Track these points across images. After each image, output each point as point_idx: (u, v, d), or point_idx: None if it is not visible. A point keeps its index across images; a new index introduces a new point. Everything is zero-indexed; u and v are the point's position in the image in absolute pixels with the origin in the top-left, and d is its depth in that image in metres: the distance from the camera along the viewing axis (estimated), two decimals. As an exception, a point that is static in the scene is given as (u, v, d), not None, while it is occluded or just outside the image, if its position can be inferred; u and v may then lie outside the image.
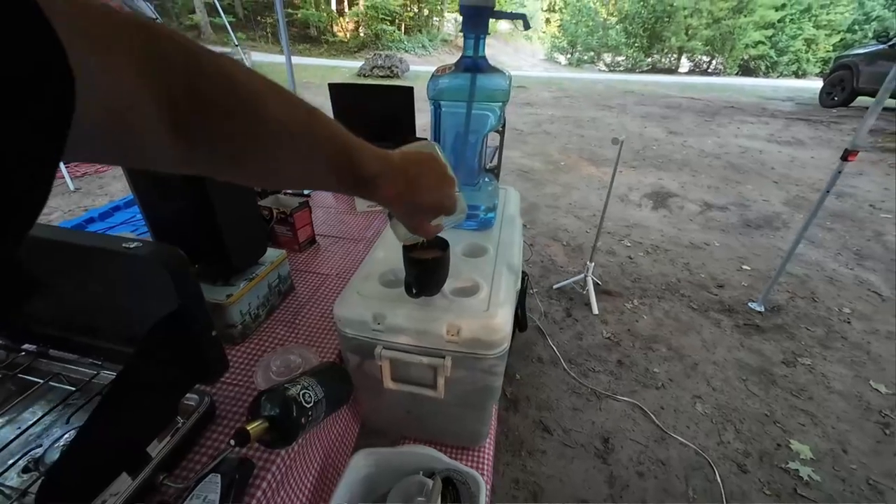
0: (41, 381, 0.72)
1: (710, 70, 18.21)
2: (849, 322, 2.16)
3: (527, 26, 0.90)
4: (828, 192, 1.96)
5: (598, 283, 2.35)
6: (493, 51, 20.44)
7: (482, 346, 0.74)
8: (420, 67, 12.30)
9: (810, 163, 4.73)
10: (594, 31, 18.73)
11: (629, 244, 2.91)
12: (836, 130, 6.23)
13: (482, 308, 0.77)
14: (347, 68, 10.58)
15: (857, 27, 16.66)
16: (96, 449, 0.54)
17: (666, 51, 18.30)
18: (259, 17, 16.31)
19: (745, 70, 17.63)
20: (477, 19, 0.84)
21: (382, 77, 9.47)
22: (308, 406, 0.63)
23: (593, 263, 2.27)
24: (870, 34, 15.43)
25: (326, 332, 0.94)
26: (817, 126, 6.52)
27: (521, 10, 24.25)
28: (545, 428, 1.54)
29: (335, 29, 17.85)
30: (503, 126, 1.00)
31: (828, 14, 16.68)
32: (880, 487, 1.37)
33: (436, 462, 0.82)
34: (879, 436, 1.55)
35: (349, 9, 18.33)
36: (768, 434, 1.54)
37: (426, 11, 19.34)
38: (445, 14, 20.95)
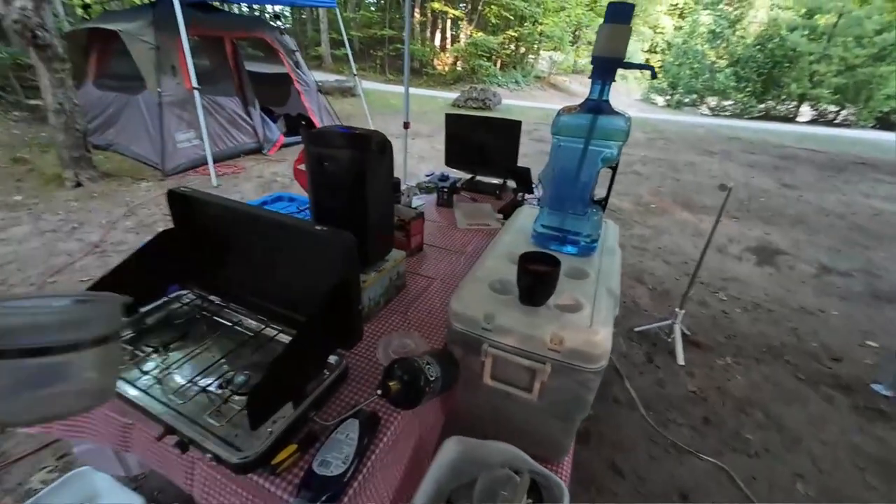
0: (230, 323, 0.94)
1: (837, 121, 16.17)
2: None
3: (654, 76, 0.98)
4: None
5: (685, 333, 2.22)
6: (585, 88, 20.37)
7: (582, 358, 0.81)
8: (512, 101, 12.71)
9: (970, 235, 3.99)
10: (699, 74, 17.79)
11: (724, 297, 2.71)
12: None
13: (585, 324, 0.84)
14: (444, 98, 11.32)
15: None
16: (278, 382, 0.70)
17: (784, 97, 16.69)
18: (371, 51, 18.22)
19: (885, 124, 15.35)
20: (606, 68, 0.94)
21: (475, 108, 9.97)
22: (431, 379, 0.74)
23: (683, 311, 2.17)
24: None
25: (433, 326, 1.07)
26: (982, 193, 5.46)
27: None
28: (618, 470, 1.50)
29: (435, 62, 19.26)
30: (617, 164, 1.08)
31: None
32: None
33: (521, 462, 0.88)
34: None
35: (451, 45, 19.71)
36: (889, 536, 1.33)
37: (523, 49, 20.05)
38: (541, 52, 21.53)
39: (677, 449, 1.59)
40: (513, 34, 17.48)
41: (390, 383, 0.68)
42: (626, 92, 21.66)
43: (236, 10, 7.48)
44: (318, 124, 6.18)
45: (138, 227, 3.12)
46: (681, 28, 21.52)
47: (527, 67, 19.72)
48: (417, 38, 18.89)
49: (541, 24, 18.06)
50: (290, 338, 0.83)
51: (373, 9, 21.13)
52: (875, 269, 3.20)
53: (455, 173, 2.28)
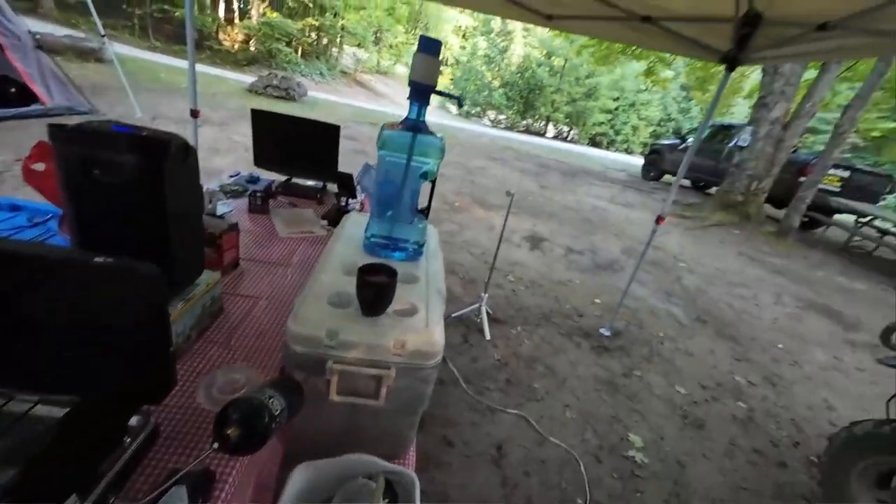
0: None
1: (568, 138, 22.10)
2: (662, 343, 2.89)
3: (461, 105, 1.15)
4: (648, 244, 2.65)
5: (489, 313, 2.67)
6: (393, 90, 21.39)
7: (422, 356, 0.90)
8: (318, 94, 12.17)
9: (637, 221, 6.15)
10: (481, 90, 21.18)
11: (513, 279, 3.38)
12: (654, 199, 8.21)
13: (422, 325, 0.93)
14: (236, 80, 9.89)
15: (662, 123, 22.37)
16: (46, 473, 0.52)
17: (537, 117, 21.68)
18: (125, 6, 14.19)
19: (593, 142, 21.91)
20: (422, 93, 1.05)
21: (276, 97, 9.10)
22: (276, 413, 0.69)
23: (486, 294, 2.60)
24: (671, 130, 20.87)
25: (265, 351, 0.97)
26: (641, 193, 8.49)
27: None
28: (448, 442, 1.71)
29: (221, 36, 16.56)
30: (435, 178, 1.21)
31: (646, 110, 22.04)
32: (683, 461, 1.88)
33: (373, 467, 0.92)
34: (681, 424, 2.12)
35: (240, 20, 17.28)
36: (615, 431, 1.97)
37: (325, 40, 19.40)
38: (345, 47, 21.32)
39: (491, 410, 1.93)
40: (313, 22, 16.65)
41: (228, 431, 0.60)
42: (426, 98, 23.76)
43: None
44: (43, 95, 4.48)
45: None
46: (464, 48, 25.01)
47: (331, 60, 19.20)
48: (196, 3, 15.77)
49: (342, 18, 17.83)
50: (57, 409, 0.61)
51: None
52: (596, 248, 4.58)
53: (266, 174, 2.07)
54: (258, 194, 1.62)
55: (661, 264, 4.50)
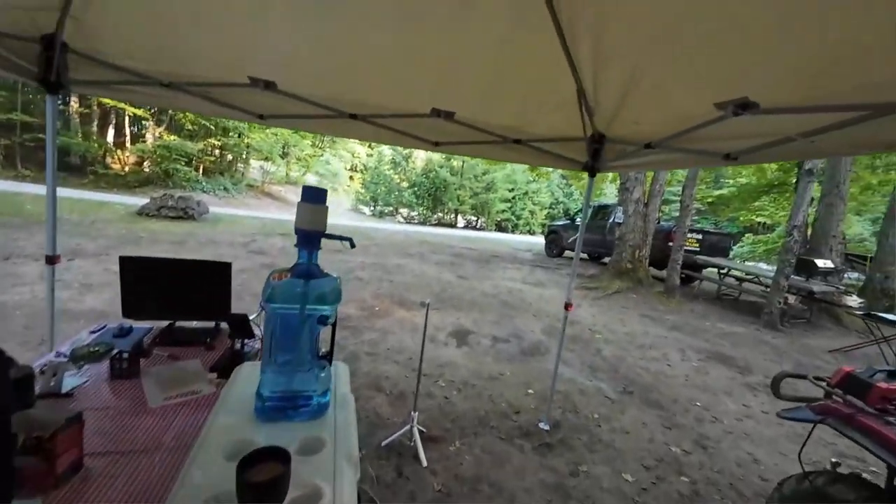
0: None
1: (477, 226, 23.99)
2: (599, 425, 2.87)
3: (352, 246, 1.13)
4: (563, 331, 2.76)
5: (423, 431, 2.44)
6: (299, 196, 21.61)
7: (330, 564, 0.71)
8: (221, 210, 11.77)
9: (551, 298, 6.55)
10: (391, 192, 22.55)
11: (443, 384, 3.22)
12: (560, 274, 8.96)
13: (327, 517, 0.76)
14: (124, 204, 9.16)
15: (553, 206, 25.72)
16: None
17: (446, 210, 23.43)
18: (-13, 136, 12.93)
19: (500, 227, 24.05)
20: (311, 240, 1.02)
21: (173, 218, 8.55)
22: None
23: (416, 413, 2.40)
24: (561, 211, 24.02)
25: None
26: (549, 271, 9.25)
27: (327, 169, 27.10)
28: None
29: (109, 161, 15.71)
30: (335, 321, 1.13)
31: (538, 196, 25.27)
32: (649, 571, 1.73)
33: None
34: (638, 521, 2.01)
35: (132, 144, 16.76)
36: (575, 550, 1.78)
37: (230, 157, 19.51)
38: (251, 161, 21.60)
39: (438, 564, 1.63)
40: (215, 142, 16.80)
41: None
42: (338, 203, 24.46)
43: None
44: None
45: None
46: (371, 156, 27.02)
47: (237, 175, 19.15)
48: (77, 132, 15.05)
49: (247, 137, 18.33)
50: None
51: (-7, 86, 15.54)
52: (519, 332, 4.68)
53: (142, 322, 1.78)
54: (123, 356, 1.35)
55: (579, 339, 4.72)
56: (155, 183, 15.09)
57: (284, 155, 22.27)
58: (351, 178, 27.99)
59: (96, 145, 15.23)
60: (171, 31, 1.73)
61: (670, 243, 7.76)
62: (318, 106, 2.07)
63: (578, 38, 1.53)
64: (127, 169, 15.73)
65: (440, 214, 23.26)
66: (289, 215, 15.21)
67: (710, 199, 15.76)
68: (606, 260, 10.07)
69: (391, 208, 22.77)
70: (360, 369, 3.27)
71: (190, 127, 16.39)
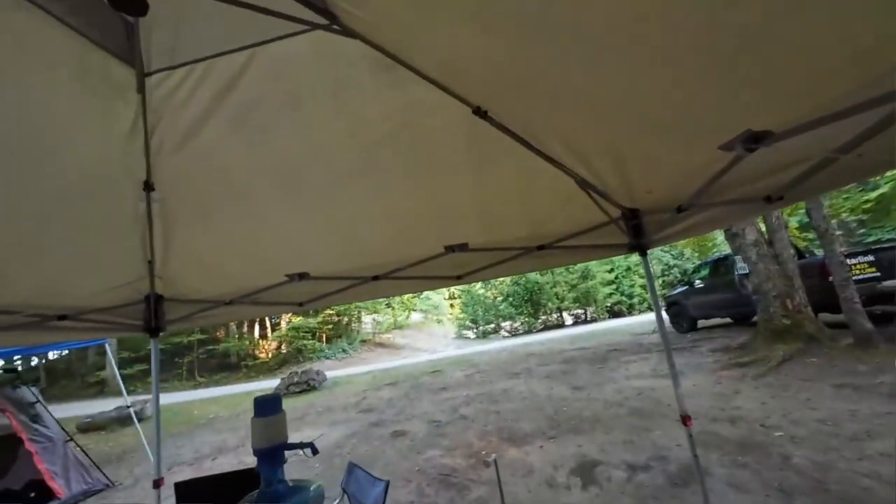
0: None
1: (587, 318, 22.05)
2: None
3: (315, 452, 1.02)
4: (698, 465, 2.07)
5: None
6: (409, 339, 22.72)
7: None
8: (339, 372, 12.76)
9: (694, 391, 5.25)
10: (488, 310, 22.59)
11: (571, 552, 2.50)
12: (698, 353, 7.36)
13: None
14: (262, 390, 10.50)
15: (665, 273, 22.96)
16: None
17: (549, 311, 22.30)
18: (176, 358, 16.68)
19: (613, 313, 21.75)
20: (272, 456, 0.93)
21: (299, 393, 9.45)
22: None
23: None
24: (676, 275, 21.22)
25: None
26: (683, 353, 7.68)
27: (429, 304, 28.75)
28: None
29: (257, 352, 18.78)
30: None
31: (642, 268, 22.97)
32: None
33: None
34: None
35: (272, 332, 20.07)
36: None
37: (345, 320, 22.01)
38: (363, 317, 24.03)
39: None
40: (331, 311, 19.28)
41: None
42: (444, 334, 25.06)
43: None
44: (60, 491, 4.53)
45: None
46: (463, 281, 28.22)
47: (353, 334, 21.22)
48: (234, 335, 18.68)
49: (354, 299, 20.79)
50: None
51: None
52: (662, 452, 3.67)
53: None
54: None
55: (749, 444, 3.52)
56: (290, 361, 17.33)
57: (389, 305, 24.48)
58: (451, 305, 29.09)
59: (247, 342, 18.53)
60: (218, 265, 2.11)
61: (829, 278, 6.04)
62: (343, 279, 2.23)
63: (544, 142, 1.49)
64: (270, 355, 18.55)
65: (544, 318, 22.16)
66: (396, 361, 15.83)
67: (866, 206, 12.65)
68: (755, 319, 8.15)
69: (493, 325, 22.48)
70: (467, 546, 2.74)
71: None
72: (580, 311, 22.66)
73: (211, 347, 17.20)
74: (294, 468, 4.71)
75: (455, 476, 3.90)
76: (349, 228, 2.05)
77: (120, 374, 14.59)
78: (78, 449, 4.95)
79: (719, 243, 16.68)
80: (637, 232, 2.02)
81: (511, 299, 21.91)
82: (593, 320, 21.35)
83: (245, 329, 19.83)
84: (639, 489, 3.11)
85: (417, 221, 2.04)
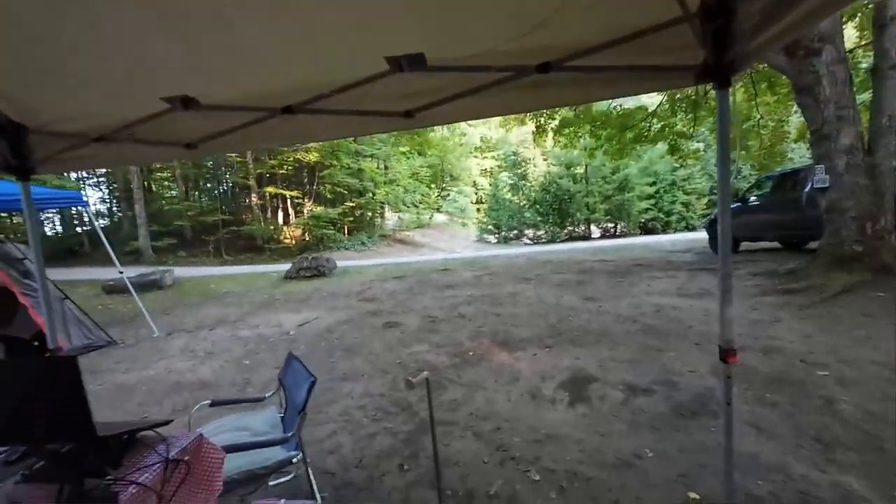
0: None
1: (617, 233, 20.95)
2: None
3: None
4: (728, 396, 1.44)
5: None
6: (430, 239, 22.70)
7: None
8: (353, 263, 12.85)
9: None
10: (513, 215, 21.74)
11: (538, 475, 2.12)
12: (736, 276, 6.52)
13: None
14: (276, 272, 10.74)
15: (715, 190, 20.79)
16: None
17: (577, 222, 21.25)
18: (203, 237, 17.37)
19: (645, 229, 20.47)
20: None
21: (308, 278, 9.54)
22: None
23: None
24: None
25: None
26: (716, 273, 6.85)
27: (455, 206, 28.31)
28: None
29: (281, 237, 19.29)
30: None
31: (690, 185, 20.84)
32: None
33: None
34: None
35: (296, 217, 20.35)
36: None
37: (368, 214, 21.93)
38: (387, 214, 23.95)
39: None
40: (351, 204, 19.06)
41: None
42: (466, 237, 24.85)
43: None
44: (62, 341, 4.67)
45: None
46: (491, 185, 27.00)
47: (374, 228, 21.30)
48: (258, 219, 19.05)
49: (376, 193, 20.38)
50: None
51: (205, 198, 21.22)
52: (672, 377, 3.15)
53: None
54: None
55: (786, 380, 2.92)
56: (311, 249, 17.74)
57: (415, 205, 24.04)
58: (478, 209, 28.39)
59: (271, 227, 18.94)
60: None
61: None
62: (243, 110, 1.50)
63: None
64: (295, 240, 19.03)
65: (570, 228, 21.21)
66: (412, 257, 15.83)
67: None
68: (813, 245, 7.04)
69: (516, 232, 21.86)
70: (422, 449, 2.44)
71: (329, 196, 19.08)
72: (610, 224, 21.48)
73: (235, 229, 17.70)
74: (278, 351, 4.63)
75: (434, 373, 3.60)
76: (242, 37, 1.24)
77: (152, 247, 15.39)
78: (75, 307, 5.02)
79: (793, 158, 14.46)
80: (719, 42, 1.12)
81: (538, 206, 20.85)
82: (623, 235, 20.29)
83: (269, 214, 20.17)
84: (635, 414, 2.65)
85: (344, 23, 1.19)
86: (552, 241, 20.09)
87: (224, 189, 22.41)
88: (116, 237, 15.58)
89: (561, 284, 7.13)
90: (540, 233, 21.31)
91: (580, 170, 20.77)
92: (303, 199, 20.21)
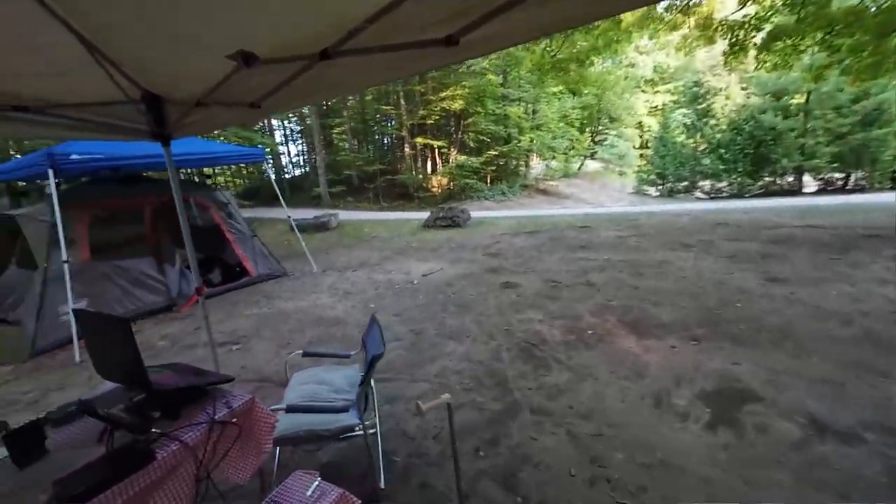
0: None
1: (848, 187, 15.23)
2: None
3: None
4: None
5: None
6: (577, 189, 20.84)
7: None
8: (488, 213, 12.76)
9: None
10: (685, 162, 17.92)
11: (637, 515, 1.67)
12: None
13: None
14: (418, 220, 11.48)
15: None
16: None
17: (781, 171, 16.22)
18: (365, 184, 19.79)
19: (903, 182, 14.27)
20: None
21: (443, 227, 9.88)
22: None
23: None
24: None
25: None
26: None
27: (612, 152, 25.15)
28: None
29: (430, 185, 20.51)
30: None
31: None
32: None
33: None
34: None
35: (442, 166, 21.22)
36: None
37: (514, 163, 21.28)
38: (533, 162, 22.84)
39: None
40: (493, 153, 18.68)
41: None
42: (620, 188, 21.96)
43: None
44: (252, 270, 5.98)
45: None
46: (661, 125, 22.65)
47: (516, 178, 20.64)
48: (410, 168, 20.57)
49: (521, 140, 19.42)
50: None
51: (372, 147, 23.85)
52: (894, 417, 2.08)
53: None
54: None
55: None
56: (454, 197, 18.43)
57: (564, 152, 22.18)
58: (641, 156, 24.53)
59: (420, 176, 20.26)
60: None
61: None
62: (281, 62, 1.34)
63: None
64: (441, 189, 20.05)
65: (769, 180, 16.38)
66: (554, 209, 14.80)
67: None
68: None
69: (685, 184, 18.09)
70: (504, 436, 2.21)
71: (472, 144, 19.06)
72: (839, 174, 15.71)
73: (390, 177, 19.55)
74: (400, 298, 4.93)
75: (541, 348, 3.26)
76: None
77: (329, 193, 18.24)
78: (260, 243, 6.30)
79: None
80: None
81: (722, 151, 16.60)
82: (858, 189, 14.69)
83: (419, 164, 21.52)
84: (815, 468, 1.83)
85: None
86: (738, 195, 15.96)
87: (385, 141, 24.77)
88: (306, 184, 19.08)
89: (734, 256, 5.56)
90: (721, 185, 17.13)
91: (797, 99, 15.39)
92: (448, 148, 20.78)
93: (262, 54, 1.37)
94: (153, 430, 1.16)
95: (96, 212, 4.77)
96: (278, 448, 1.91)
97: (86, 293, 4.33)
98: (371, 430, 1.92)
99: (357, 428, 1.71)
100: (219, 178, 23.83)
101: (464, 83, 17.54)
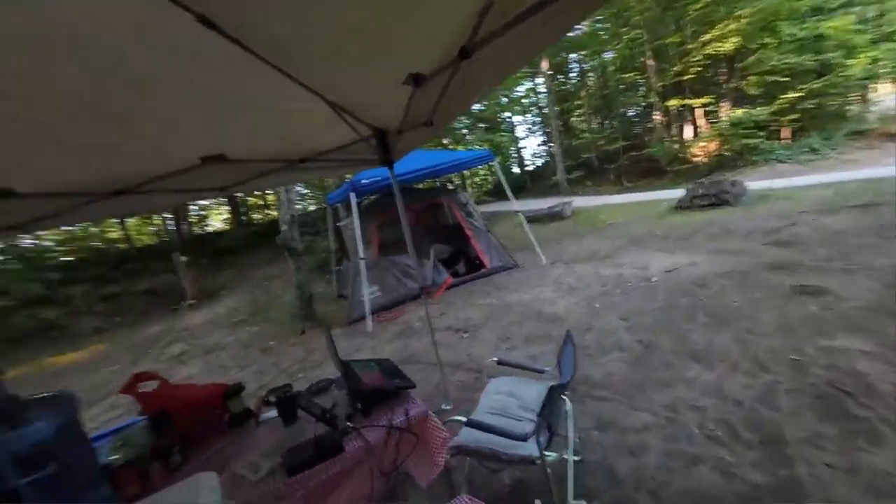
0: None
1: None
2: None
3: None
4: None
5: None
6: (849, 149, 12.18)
7: None
8: (778, 183, 9.23)
9: None
10: None
11: None
12: None
13: None
14: (668, 199, 9.55)
15: None
16: None
17: None
18: (605, 165, 18.26)
19: None
20: None
21: (704, 207, 7.79)
22: None
23: None
24: None
25: None
26: None
27: None
28: None
29: (689, 154, 16.88)
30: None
31: None
32: None
33: None
34: None
35: (708, 129, 16.98)
36: None
37: (832, 103, 14.68)
38: (873, 96, 15.09)
39: None
40: (794, 95, 13.33)
41: None
42: None
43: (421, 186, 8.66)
44: (487, 263, 6.59)
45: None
46: None
47: (841, 123, 14.10)
48: (660, 139, 17.57)
49: (849, 66, 13.07)
50: None
51: (615, 123, 21.72)
52: None
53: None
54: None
55: None
56: (726, 166, 14.45)
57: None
58: None
59: (675, 146, 16.96)
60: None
61: None
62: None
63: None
64: (706, 158, 16.14)
65: None
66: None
67: None
68: None
69: None
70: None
71: (755, 92, 14.26)
72: None
73: (635, 153, 17.24)
74: (630, 297, 4.24)
75: (861, 401, 2.07)
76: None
77: (567, 179, 17.97)
78: (493, 237, 6.83)
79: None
80: None
81: None
82: None
83: (674, 132, 18.03)
84: None
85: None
86: None
87: (629, 115, 22.08)
88: (546, 173, 19.48)
89: None
90: None
91: None
92: (716, 104, 16.39)
93: (424, 71, 1.40)
94: (348, 424, 1.38)
95: (382, 219, 6.39)
96: (467, 458, 1.97)
97: (375, 281, 5.89)
98: (561, 456, 1.71)
99: (536, 461, 1.54)
100: (475, 178, 27.65)
101: (738, 13, 13.34)
